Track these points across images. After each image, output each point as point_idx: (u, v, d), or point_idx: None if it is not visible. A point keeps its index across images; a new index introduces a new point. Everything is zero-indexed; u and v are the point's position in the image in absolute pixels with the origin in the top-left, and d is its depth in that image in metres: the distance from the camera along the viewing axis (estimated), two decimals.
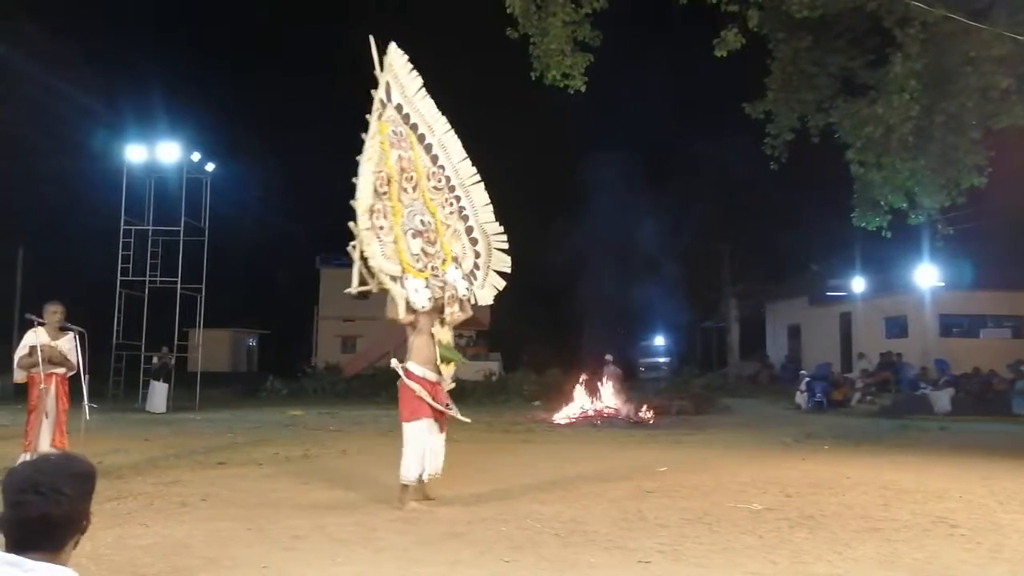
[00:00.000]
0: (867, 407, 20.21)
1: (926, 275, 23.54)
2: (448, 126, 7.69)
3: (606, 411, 17.35)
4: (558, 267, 34.21)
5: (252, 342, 43.54)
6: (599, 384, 18.56)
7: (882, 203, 12.74)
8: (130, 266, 20.78)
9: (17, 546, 1.72)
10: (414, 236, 7.34)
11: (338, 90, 47.61)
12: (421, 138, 7.56)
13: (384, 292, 7.20)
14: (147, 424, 15.24)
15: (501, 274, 7.70)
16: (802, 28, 12.23)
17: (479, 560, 5.03)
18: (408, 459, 6.75)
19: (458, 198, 7.65)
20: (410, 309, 7.12)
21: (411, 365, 6.97)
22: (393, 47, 7.60)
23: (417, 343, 7.08)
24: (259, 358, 43.08)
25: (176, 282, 20.67)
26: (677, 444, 12.48)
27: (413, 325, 7.12)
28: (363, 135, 7.29)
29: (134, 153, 21.05)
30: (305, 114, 46.24)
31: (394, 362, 7.14)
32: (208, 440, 12.36)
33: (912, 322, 25.30)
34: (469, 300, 7.50)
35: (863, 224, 13.16)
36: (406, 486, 6.75)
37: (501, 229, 7.73)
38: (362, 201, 7.08)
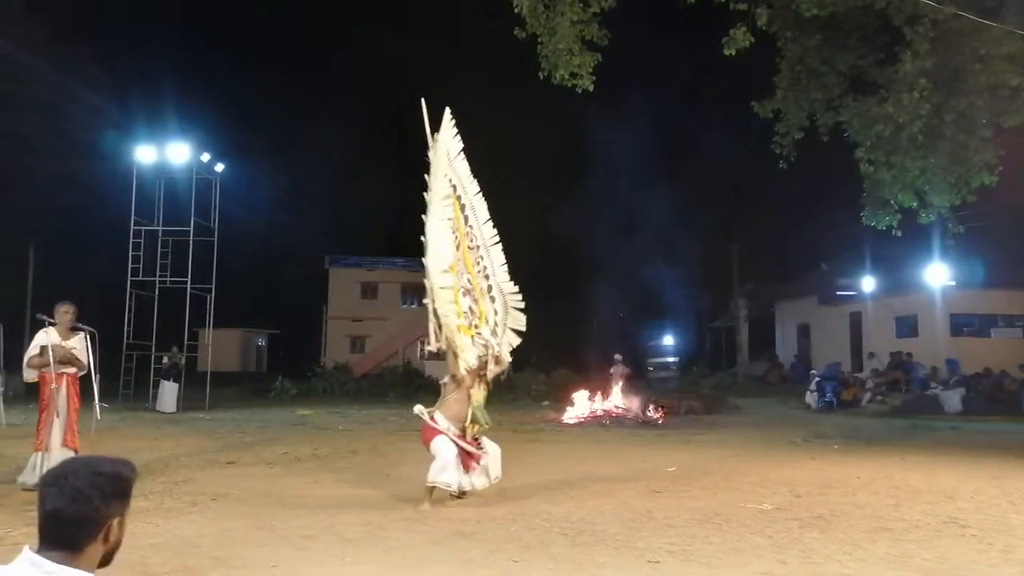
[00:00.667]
0: (877, 407, 20.11)
1: (937, 274, 23.41)
2: (477, 188, 7.89)
3: (615, 411, 17.34)
4: (567, 265, 34.23)
5: (261, 342, 43.69)
6: (608, 384, 18.56)
7: (892, 202, 12.68)
8: (140, 266, 20.93)
9: (43, 541, 1.73)
10: (464, 295, 7.55)
11: (347, 91, 47.82)
12: (458, 199, 7.74)
13: (449, 348, 7.29)
14: (157, 423, 15.32)
15: (516, 332, 7.94)
16: (811, 26, 12.19)
17: (489, 560, 5.03)
18: (439, 465, 6.83)
19: (481, 258, 7.90)
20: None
21: (438, 416, 7.13)
22: (447, 113, 7.71)
23: (454, 397, 7.22)
24: (268, 358, 43.23)
25: (186, 282, 20.78)
26: (686, 444, 12.46)
27: (457, 381, 7.24)
28: (426, 194, 7.36)
29: (144, 154, 21.18)
30: (314, 115, 46.38)
31: (418, 408, 7.29)
32: (218, 440, 12.41)
33: (923, 321, 25.16)
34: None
35: (873, 223, 13.11)
36: (432, 488, 6.82)
37: (516, 288, 8.03)
38: (443, 259, 7.25)
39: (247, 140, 37.62)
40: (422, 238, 7.28)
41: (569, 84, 11.52)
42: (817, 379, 21.22)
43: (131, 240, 20.77)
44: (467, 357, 7.23)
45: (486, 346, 7.49)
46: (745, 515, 6.44)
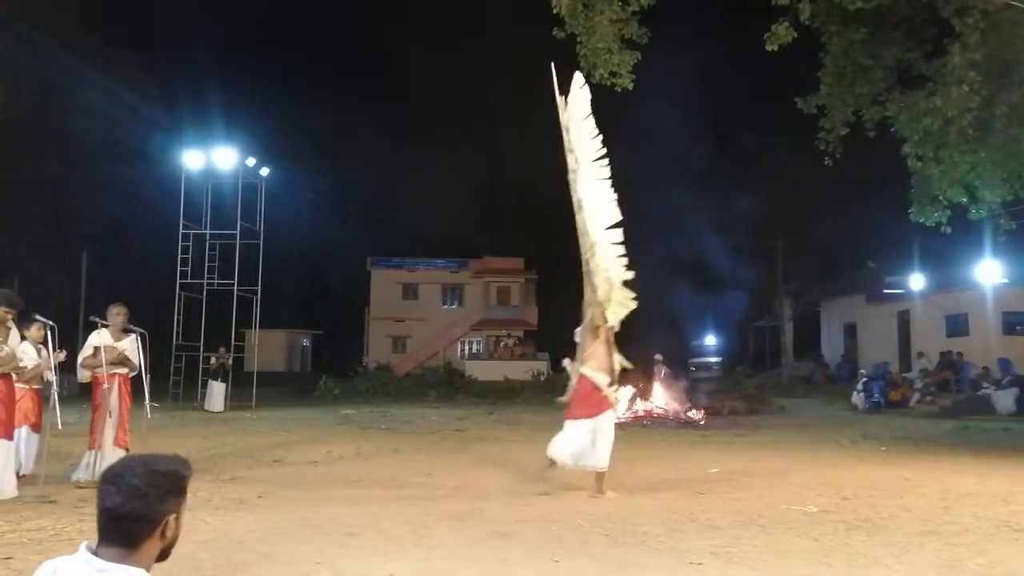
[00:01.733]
0: (926, 408, 19.65)
1: (988, 271, 22.78)
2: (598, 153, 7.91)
3: (656, 411, 17.21)
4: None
5: (306, 342, 44.32)
6: (650, 384, 18.42)
7: (940, 198, 12.39)
8: (189, 269, 21.41)
9: (101, 537, 1.78)
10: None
11: (387, 94, 48.26)
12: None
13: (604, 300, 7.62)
14: (206, 422, 15.65)
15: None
16: (856, 20, 11.96)
17: (528, 559, 5.05)
18: (606, 449, 7.20)
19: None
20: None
21: (598, 375, 7.40)
22: (579, 77, 8.01)
23: (601, 350, 7.52)
24: (312, 358, 43.82)
25: (233, 284, 21.20)
26: (729, 445, 12.32)
27: (598, 334, 7.56)
28: (570, 155, 7.69)
29: (192, 159, 21.66)
30: (358, 117, 46.88)
31: (568, 362, 7.79)
32: (264, 438, 12.63)
33: (973, 320, 24.52)
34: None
35: (921, 219, 12.82)
36: (603, 473, 7.19)
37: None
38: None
39: (292, 144, 38.16)
40: (578, 197, 7.58)
41: (609, 83, 11.48)
42: (865, 379, 20.80)
43: (180, 243, 21.27)
44: (619, 312, 7.61)
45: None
46: (790, 517, 6.35)
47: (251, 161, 21.92)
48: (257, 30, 51.13)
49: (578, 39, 11.18)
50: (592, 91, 8.05)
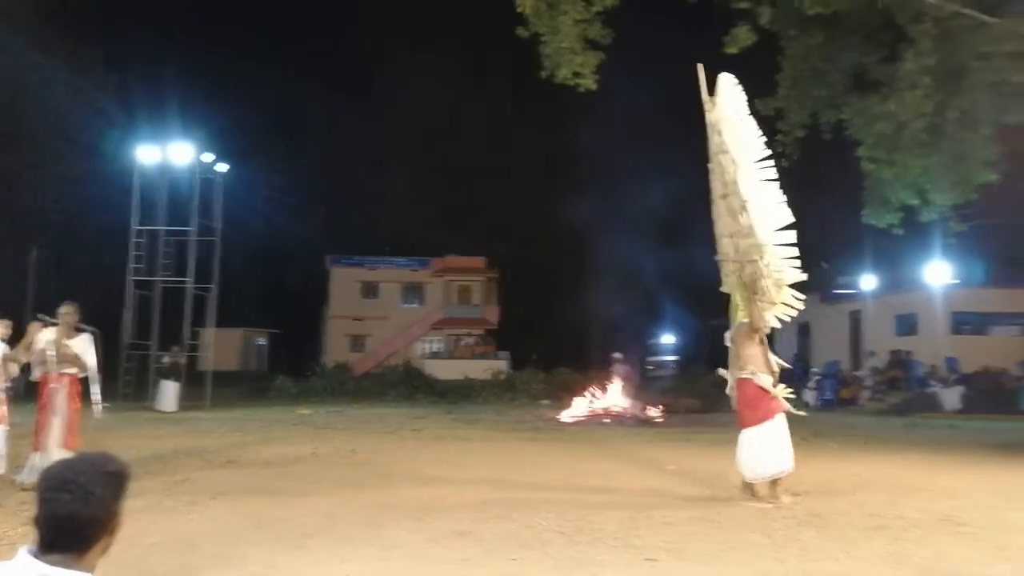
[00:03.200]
0: (876, 405, 20.15)
1: (937, 272, 23.38)
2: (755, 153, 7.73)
3: (614, 409, 17.34)
4: (569, 265, 34.22)
5: (262, 341, 43.73)
6: (608, 382, 18.57)
7: (893, 200, 12.69)
8: (142, 266, 20.96)
9: (47, 545, 1.71)
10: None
11: (350, 93, 47.84)
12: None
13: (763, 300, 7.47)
14: (157, 423, 15.33)
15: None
16: (814, 25, 12.19)
17: (486, 558, 5.04)
18: (788, 450, 7.05)
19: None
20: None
21: (757, 375, 7.23)
22: (727, 77, 7.86)
23: (759, 351, 7.36)
24: (269, 357, 43.24)
25: (187, 282, 20.80)
26: (686, 442, 12.46)
27: (753, 334, 7.39)
28: (722, 156, 7.55)
29: (146, 154, 21.21)
30: (316, 114, 46.37)
31: (723, 371, 7.59)
32: (218, 439, 12.42)
33: (922, 320, 25.14)
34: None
35: (874, 221, 13.12)
36: (778, 480, 7.01)
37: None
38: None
39: (250, 140, 37.53)
40: (742, 201, 7.35)
41: (572, 83, 11.51)
42: (817, 377, 21.26)
43: (133, 240, 20.80)
44: (786, 313, 7.53)
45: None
46: (743, 513, 6.44)
47: (208, 157, 21.51)
48: (216, 23, 50.24)
49: (542, 39, 11.19)
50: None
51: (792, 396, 7.35)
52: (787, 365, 7.61)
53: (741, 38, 11.28)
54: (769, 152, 7.64)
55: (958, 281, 23.60)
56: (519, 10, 10.89)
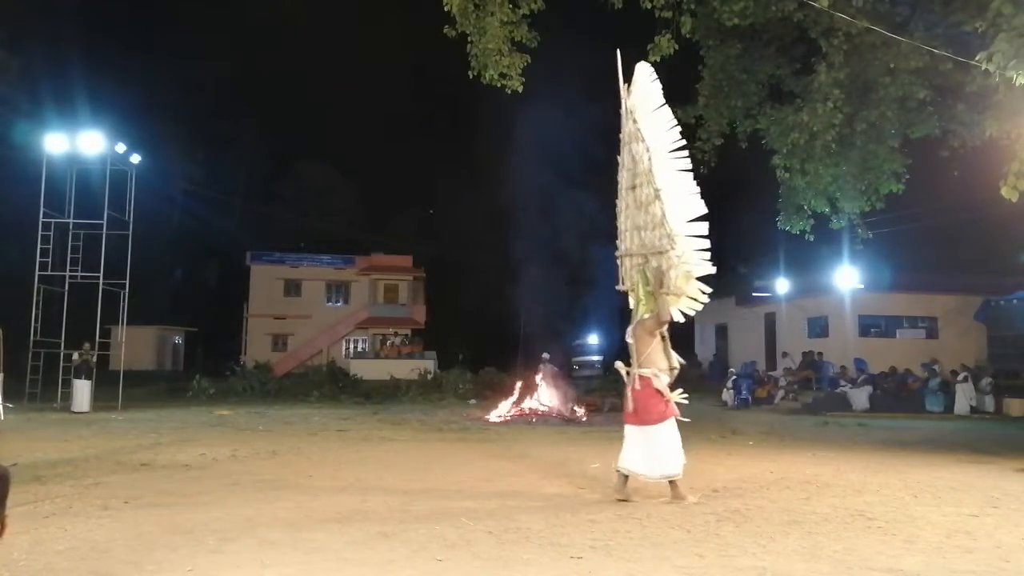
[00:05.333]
0: (790, 404, 20.88)
1: (846, 277, 24.44)
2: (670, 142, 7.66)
3: (540, 409, 17.49)
4: (494, 266, 34.26)
5: (178, 340, 42.30)
6: (534, 382, 18.71)
7: (805, 207, 13.20)
8: (49, 260, 20.08)
9: None
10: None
11: (268, 81, 46.70)
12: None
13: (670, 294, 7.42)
14: (67, 424, 14.66)
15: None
16: (732, 36, 12.56)
17: (412, 559, 5.01)
18: (678, 454, 7.00)
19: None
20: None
21: (661, 377, 7.25)
22: (644, 66, 7.84)
23: (657, 348, 7.39)
24: (185, 356, 41.87)
25: (98, 277, 19.96)
26: (610, 441, 12.60)
27: (654, 329, 7.38)
28: (637, 145, 7.53)
29: (54, 143, 20.24)
30: (234, 106, 45.08)
31: (620, 365, 7.59)
32: (131, 440, 11.97)
33: (833, 322, 26.22)
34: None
35: (787, 227, 13.61)
36: (674, 481, 6.99)
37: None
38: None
39: (165, 131, 36.19)
40: (654, 188, 7.33)
41: (498, 84, 11.54)
42: (734, 377, 21.89)
43: (40, 233, 19.84)
44: (690, 306, 7.46)
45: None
46: (664, 510, 6.59)
47: (120, 147, 20.65)
48: (130, 9, 48.34)
49: (469, 39, 11.19)
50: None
51: (686, 400, 7.39)
52: (683, 362, 7.65)
53: (663, 47, 11.51)
54: (684, 142, 7.68)
55: (865, 286, 24.73)
56: (446, 8, 10.86)
